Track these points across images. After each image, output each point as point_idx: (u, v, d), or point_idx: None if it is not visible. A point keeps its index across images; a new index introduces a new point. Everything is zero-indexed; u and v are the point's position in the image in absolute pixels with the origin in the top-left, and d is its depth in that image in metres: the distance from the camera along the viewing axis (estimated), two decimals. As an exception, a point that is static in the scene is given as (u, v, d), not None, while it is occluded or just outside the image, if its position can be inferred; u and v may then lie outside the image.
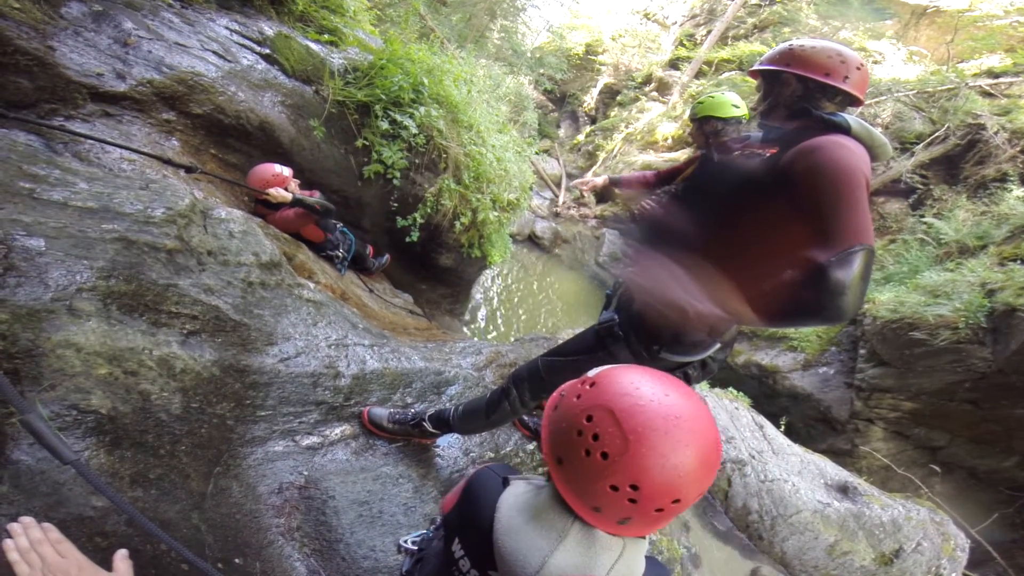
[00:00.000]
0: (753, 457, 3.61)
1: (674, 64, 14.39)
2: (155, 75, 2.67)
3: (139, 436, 1.42)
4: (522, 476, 1.03)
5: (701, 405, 0.80)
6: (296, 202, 3.16)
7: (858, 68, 1.37)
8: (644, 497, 0.74)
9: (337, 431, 2.01)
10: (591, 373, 0.86)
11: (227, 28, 3.25)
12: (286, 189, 3.13)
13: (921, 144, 8.27)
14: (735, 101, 2.53)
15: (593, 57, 17.02)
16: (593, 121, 16.32)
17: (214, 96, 2.91)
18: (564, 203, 12.80)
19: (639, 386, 0.78)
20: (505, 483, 0.99)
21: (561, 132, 17.04)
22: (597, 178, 2.80)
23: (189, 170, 2.65)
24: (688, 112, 2.63)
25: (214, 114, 2.94)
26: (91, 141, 2.33)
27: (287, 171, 3.15)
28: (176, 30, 2.90)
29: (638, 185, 2.67)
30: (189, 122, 2.88)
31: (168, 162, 2.54)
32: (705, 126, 2.54)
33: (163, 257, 1.76)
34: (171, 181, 2.40)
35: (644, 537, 0.88)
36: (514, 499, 0.92)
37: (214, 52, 3.01)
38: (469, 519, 0.98)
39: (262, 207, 3.24)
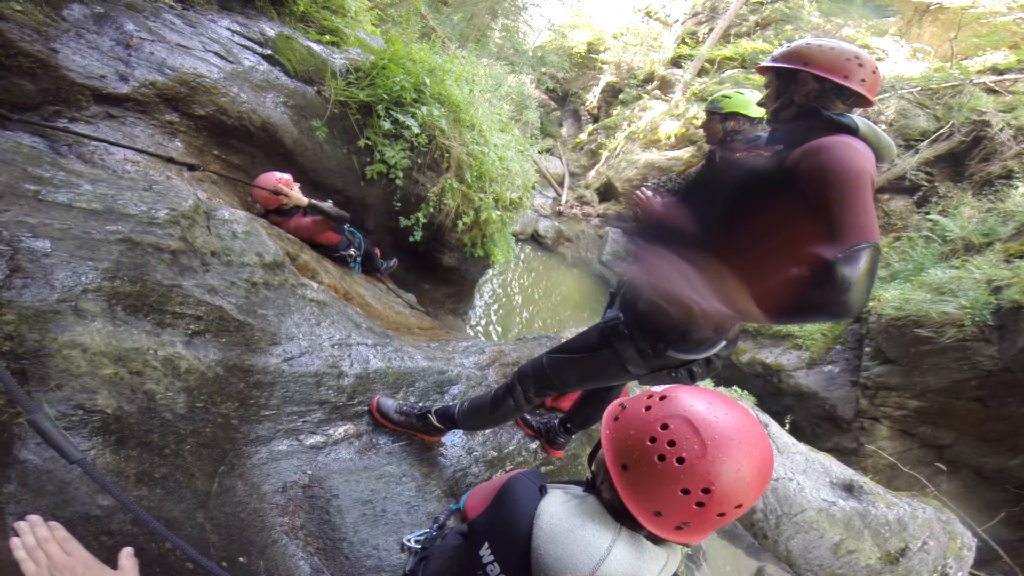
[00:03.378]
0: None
1: (676, 62, 14.37)
2: (157, 76, 2.68)
3: (144, 435, 1.42)
4: (558, 485, 1.04)
5: (759, 424, 0.87)
6: (312, 207, 3.21)
7: (873, 71, 1.38)
8: (713, 501, 0.80)
9: (340, 430, 2.01)
10: (657, 389, 0.91)
11: (228, 29, 3.26)
12: (278, 190, 3.14)
13: (925, 141, 8.23)
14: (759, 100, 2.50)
15: (595, 55, 17.02)
16: (595, 120, 16.31)
17: (216, 97, 2.92)
18: (567, 202, 12.80)
19: (709, 403, 0.86)
20: (542, 491, 1.00)
21: (563, 131, 17.05)
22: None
23: (192, 168, 2.65)
24: (709, 105, 2.57)
25: (217, 115, 2.94)
26: (95, 143, 2.34)
27: (287, 176, 3.17)
28: (178, 31, 2.90)
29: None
30: (192, 123, 2.89)
31: (171, 160, 2.55)
32: (728, 121, 2.49)
33: (167, 258, 1.77)
34: (174, 182, 2.41)
35: (687, 547, 0.92)
36: (555, 507, 0.94)
37: (216, 53, 3.02)
38: (504, 525, 0.98)
39: (274, 216, 3.25)
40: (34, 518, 0.87)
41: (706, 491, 0.79)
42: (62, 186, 1.71)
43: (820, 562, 3.36)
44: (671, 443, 0.81)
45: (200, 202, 2.09)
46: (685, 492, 0.80)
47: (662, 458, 0.81)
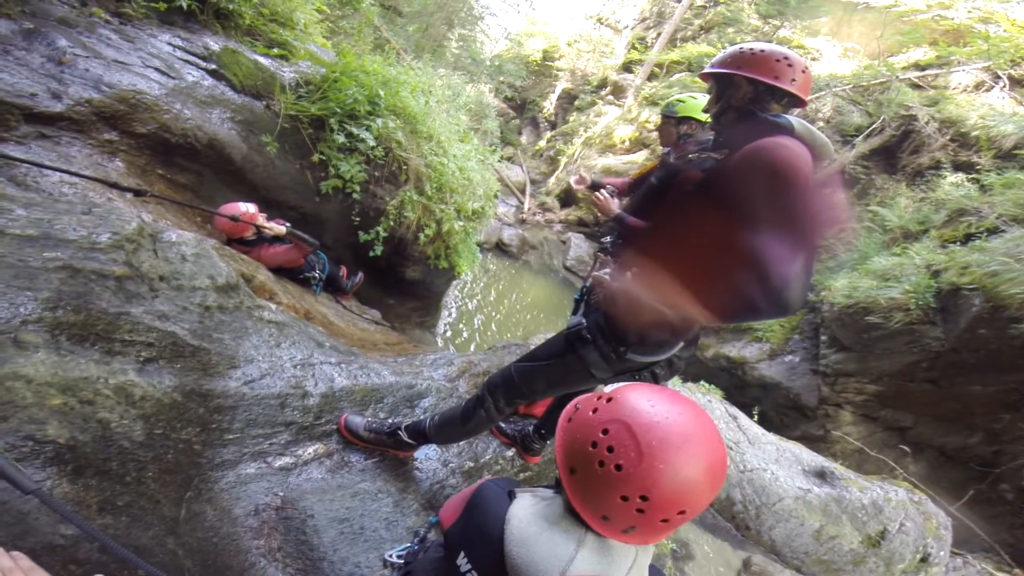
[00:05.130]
0: (731, 448, 3.67)
1: (627, 67, 14.77)
2: (94, 94, 2.56)
3: (102, 464, 1.36)
4: (527, 489, 1.03)
5: (710, 423, 0.85)
6: (292, 235, 3.21)
7: (803, 71, 1.44)
8: (652, 508, 0.78)
9: (310, 450, 1.95)
10: (607, 389, 0.90)
11: (170, 44, 3.15)
12: (255, 224, 3.14)
13: (860, 136, 8.68)
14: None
15: (551, 63, 17.34)
16: (553, 126, 16.57)
17: (158, 114, 2.81)
18: (529, 209, 12.90)
19: (655, 404, 0.83)
20: (511, 496, 1.00)
21: (523, 138, 17.24)
22: (585, 175, 2.87)
23: (138, 193, 2.54)
24: (664, 108, 2.63)
25: (159, 133, 2.84)
26: (27, 165, 2.21)
27: (252, 207, 3.14)
28: (115, 47, 2.79)
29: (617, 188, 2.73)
30: (133, 142, 2.77)
31: (115, 186, 2.44)
32: (682, 126, 2.54)
33: (112, 285, 1.69)
34: (116, 204, 2.30)
35: (652, 545, 0.91)
36: (524, 511, 0.93)
37: (156, 69, 2.91)
38: (477, 532, 0.97)
39: (238, 246, 3.18)
40: None
41: (644, 498, 0.78)
42: (-8, 211, 1.61)
43: (805, 549, 3.41)
44: (610, 449, 0.80)
45: (144, 225, 2.00)
46: (624, 499, 0.79)
47: (602, 464, 0.80)
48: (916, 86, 8.89)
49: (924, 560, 3.59)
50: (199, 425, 1.69)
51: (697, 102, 2.52)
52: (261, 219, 3.16)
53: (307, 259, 3.57)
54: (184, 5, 3.27)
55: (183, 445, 1.61)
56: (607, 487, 0.79)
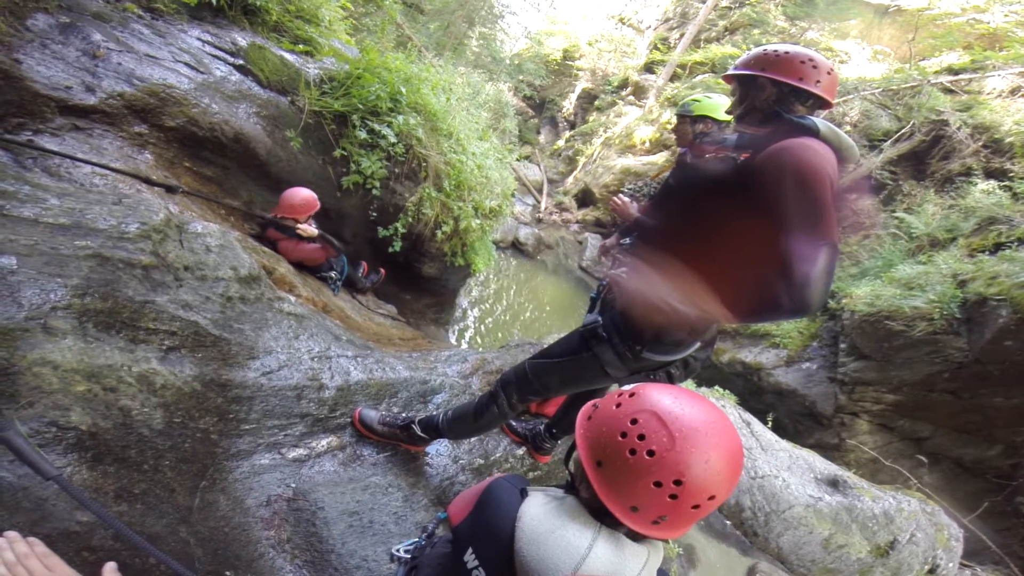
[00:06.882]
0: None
1: (649, 68, 14.64)
2: (126, 88, 2.62)
3: (121, 451, 1.40)
4: (539, 488, 1.04)
5: (726, 417, 0.89)
6: (322, 238, 3.33)
7: (828, 72, 1.43)
8: (685, 492, 0.81)
9: (323, 443, 1.98)
10: (628, 387, 0.92)
11: (199, 39, 3.21)
12: (296, 221, 3.27)
13: (888, 141, 8.48)
14: (727, 106, 2.54)
15: (571, 62, 17.27)
16: (572, 126, 16.51)
17: (187, 108, 2.87)
18: (546, 209, 12.88)
19: (676, 397, 0.87)
20: (523, 494, 1.01)
21: (541, 138, 17.20)
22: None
23: (171, 190, 2.61)
24: (680, 108, 2.61)
25: (187, 127, 2.89)
26: (60, 157, 2.28)
27: (315, 196, 3.29)
28: (147, 42, 2.85)
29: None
30: (162, 135, 2.83)
31: (148, 181, 2.50)
32: (697, 124, 2.52)
33: (139, 273, 1.73)
34: (144, 195, 2.36)
35: (668, 542, 0.92)
36: (535, 509, 0.94)
37: (186, 64, 2.97)
38: (486, 529, 0.98)
39: (275, 232, 3.29)
40: (12, 534, 0.84)
41: (678, 483, 0.80)
42: (28, 200, 1.66)
43: (812, 557, 3.37)
44: (641, 437, 0.82)
45: (171, 215, 2.05)
46: (658, 485, 0.81)
47: (633, 452, 0.82)
48: (948, 91, 8.67)
49: (932, 571, 3.53)
50: (217, 415, 1.73)
51: (713, 102, 2.51)
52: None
53: (327, 259, 3.63)
54: (213, 1, 3.33)
55: (200, 434, 1.64)
56: (639, 474, 0.82)
